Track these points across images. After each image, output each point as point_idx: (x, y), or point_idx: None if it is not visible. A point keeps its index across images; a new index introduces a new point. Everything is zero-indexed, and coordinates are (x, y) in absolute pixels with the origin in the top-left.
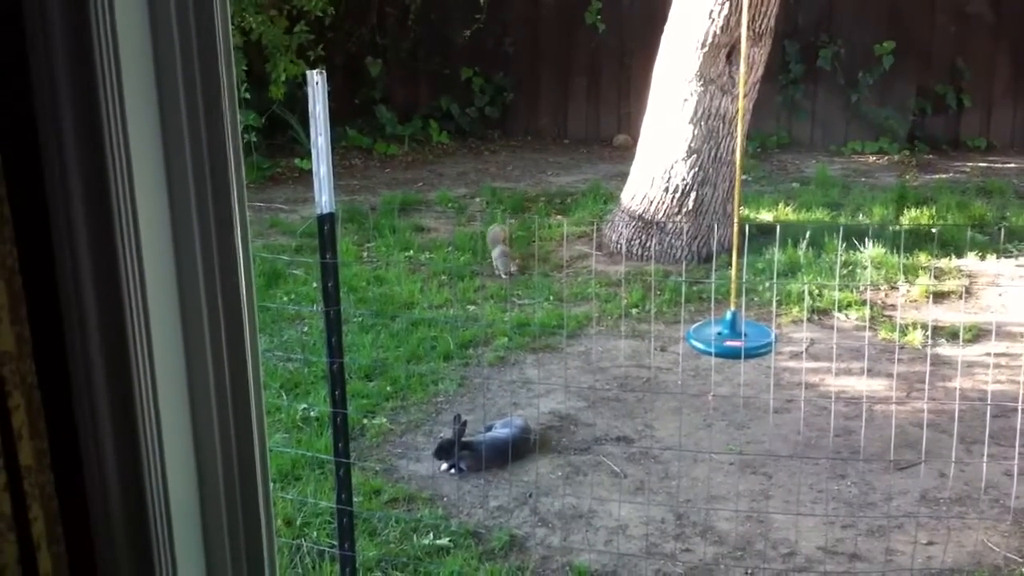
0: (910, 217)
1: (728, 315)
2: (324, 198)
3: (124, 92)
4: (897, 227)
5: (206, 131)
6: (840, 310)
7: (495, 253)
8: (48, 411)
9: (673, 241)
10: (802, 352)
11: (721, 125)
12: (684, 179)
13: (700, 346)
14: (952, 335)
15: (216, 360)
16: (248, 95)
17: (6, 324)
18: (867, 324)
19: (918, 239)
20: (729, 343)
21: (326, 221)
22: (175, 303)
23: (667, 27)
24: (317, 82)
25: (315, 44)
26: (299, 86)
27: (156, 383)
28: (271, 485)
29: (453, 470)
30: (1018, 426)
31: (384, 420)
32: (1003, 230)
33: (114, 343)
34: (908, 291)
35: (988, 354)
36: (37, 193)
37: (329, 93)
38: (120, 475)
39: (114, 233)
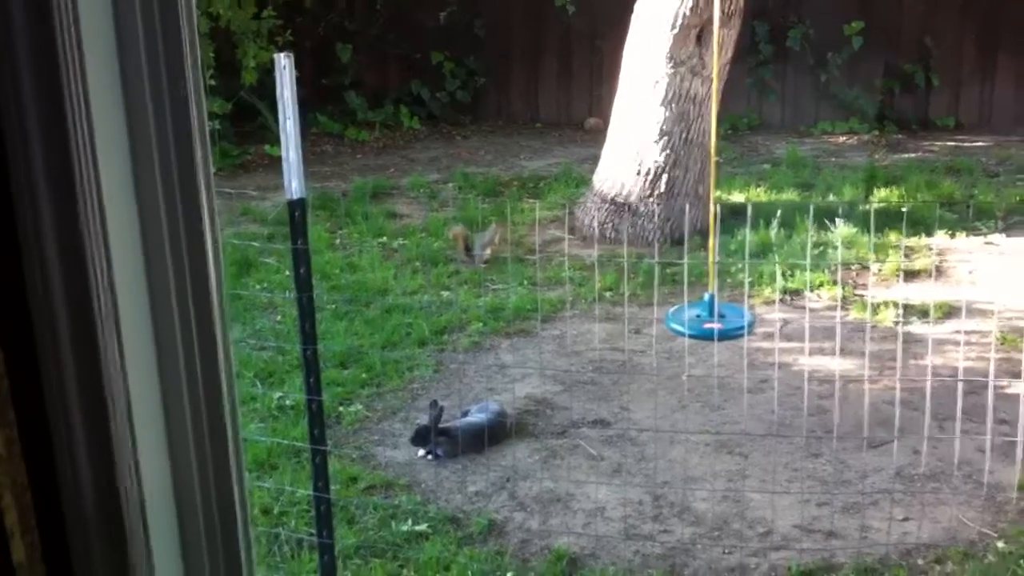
0: (880, 196)
1: (705, 297)
2: (294, 183)
3: (87, 79)
4: (867, 206)
5: (171, 118)
6: (812, 290)
7: (484, 242)
8: (17, 400)
9: (645, 223)
10: (775, 332)
11: (692, 107)
12: (656, 161)
13: (680, 329)
14: (923, 313)
15: (187, 348)
16: (215, 81)
17: None
18: (839, 303)
19: (888, 218)
20: (708, 325)
21: (296, 207)
22: (143, 291)
23: (637, 8)
24: (284, 65)
25: (283, 29)
26: (268, 72)
27: (126, 371)
28: (246, 474)
29: (430, 456)
30: (990, 402)
31: (360, 407)
32: (972, 208)
33: (82, 332)
34: (879, 270)
35: (959, 331)
36: (1, 179)
37: (298, 79)
38: (92, 465)
39: (80, 222)
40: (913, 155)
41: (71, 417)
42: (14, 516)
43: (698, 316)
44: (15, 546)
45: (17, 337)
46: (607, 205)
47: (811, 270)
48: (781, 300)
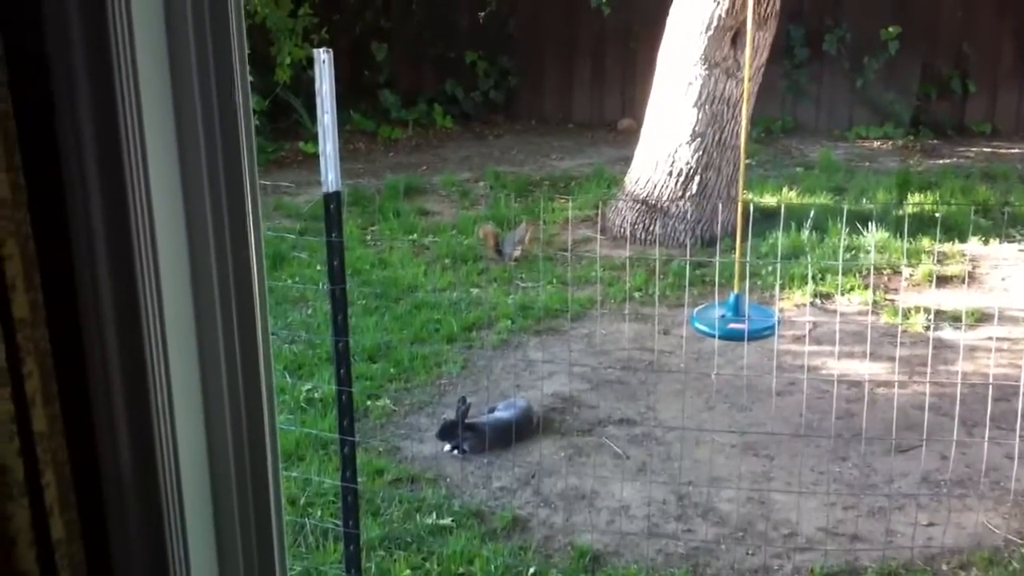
0: (914, 202)
1: (731, 298)
2: (330, 176)
3: (139, 75)
4: (901, 212)
5: (219, 113)
6: (843, 294)
7: (515, 240)
8: (61, 378)
9: (677, 225)
10: (805, 335)
11: (725, 109)
12: (688, 163)
13: (704, 328)
14: (954, 319)
15: (227, 337)
16: (252, 78)
17: (20, 291)
18: (870, 308)
19: (922, 223)
20: (733, 325)
21: (332, 200)
22: (187, 275)
23: (672, 10)
24: (324, 60)
25: (319, 27)
26: (304, 69)
27: (168, 358)
28: (280, 461)
29: (456, 451)
30: (1019, 409)
31: (388, 401)
32: (1007, 215)
33: (127, 317)
34: (911, 275)
35: (990, 338)
36: (52, 163)
37: (334, 77)
38: (132, 447)
39: (127, 206)
40: (948, 161)
41: (113, 399)
42: (54, 493)
43: (723, 316)
44: (54, 523)
45: (63, 316)
46: (639, 206)
47: (843, 274)
48: (812, 303)
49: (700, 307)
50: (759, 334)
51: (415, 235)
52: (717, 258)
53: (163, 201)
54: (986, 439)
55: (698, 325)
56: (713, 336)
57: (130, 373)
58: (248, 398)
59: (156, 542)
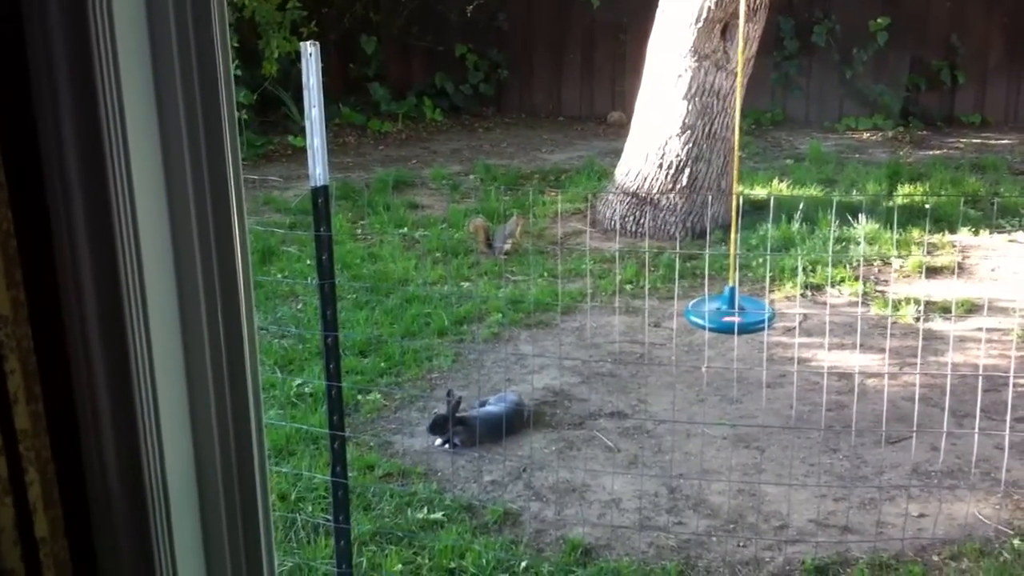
0: (904, 193)
1: (726, 291)
2: (318, 170)
3: (120, 69)
4: (891, 203)
5: (202, 106)
6: (833, 285)
7: (505, 234)
8: (44, 375)
9: (667, 217)
10: (795, 327)
11: (715, 101)
12: (678, 155)
13: (699, 322)
14: (944, 310)
15: (212, 332)
16: (239, 72)
17: (2, 288)
18: (860, 299)
19: (911, 215)
20: (727, 319)
21: (320, 194)
22: (171, 271)
23: (662, 2)
24: (311, 53)
25: (308, 21)
26: (292, 63)
27: (152, 351)
28: (267, 457)
29: (447, 445)
30: (1009, 399)
31: (378, 396)
32: (996, 205)
33: (110, 313)
34: (901, 266)
35: (980, 328)
36: (33, 159)
37: (323, 70)
38: (116, 443)
39: (109, 202)
40: (938, 152)
41: (97, 397)
42: (37, 491)
43: (718, 309)
44: (38, 521)
45: (46, 313)
46: (629, 198)
47: (833, 265)
48: (802, 295)
49: (695, 300)
50: (755, 327)
51: (405, 229)
52: (707, 250)
53: (146, 197)
54: (976, 430)
55: (693, 318)
56: (708, 329)
57: (114, 370)
58: (234, 394)
59: (142, 539)
